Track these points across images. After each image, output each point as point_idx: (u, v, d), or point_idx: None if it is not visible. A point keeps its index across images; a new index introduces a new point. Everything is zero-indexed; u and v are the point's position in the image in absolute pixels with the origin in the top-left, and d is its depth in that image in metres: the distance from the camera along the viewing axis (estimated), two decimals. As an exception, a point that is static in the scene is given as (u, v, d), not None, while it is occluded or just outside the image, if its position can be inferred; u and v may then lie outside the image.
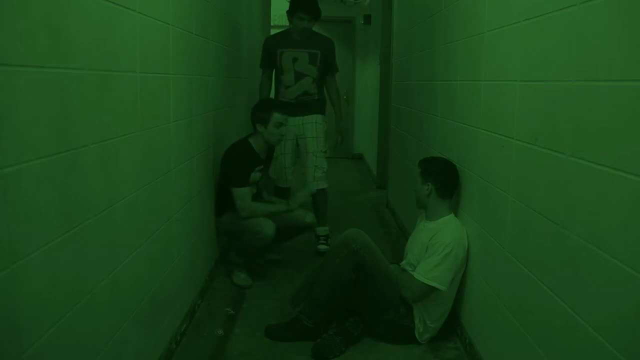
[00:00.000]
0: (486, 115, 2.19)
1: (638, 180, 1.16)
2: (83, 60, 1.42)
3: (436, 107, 3.07)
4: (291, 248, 3.68)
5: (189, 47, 2.51)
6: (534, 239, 1.71)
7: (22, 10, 1.14)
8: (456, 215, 2.54)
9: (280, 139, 3.26)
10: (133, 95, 1.80)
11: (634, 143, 1.18)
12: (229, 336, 2.55)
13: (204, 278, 3.00)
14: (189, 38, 2.50)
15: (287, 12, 3.72)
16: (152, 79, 2.00)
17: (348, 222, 3.83)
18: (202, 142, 2.86)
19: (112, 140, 1.63)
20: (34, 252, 1.19)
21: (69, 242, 1.35)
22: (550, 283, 1.58)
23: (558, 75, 1.55)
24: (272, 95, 3.94)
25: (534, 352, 1.68)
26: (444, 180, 2.52)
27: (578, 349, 1.41)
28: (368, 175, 6.95)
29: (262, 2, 5.74)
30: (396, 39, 4.82)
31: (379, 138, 6.01)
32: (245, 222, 3.07)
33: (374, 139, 6.32)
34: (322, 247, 3.75)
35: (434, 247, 2.37)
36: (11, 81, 1.10)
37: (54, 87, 1.27)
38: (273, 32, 7.05)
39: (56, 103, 1.28)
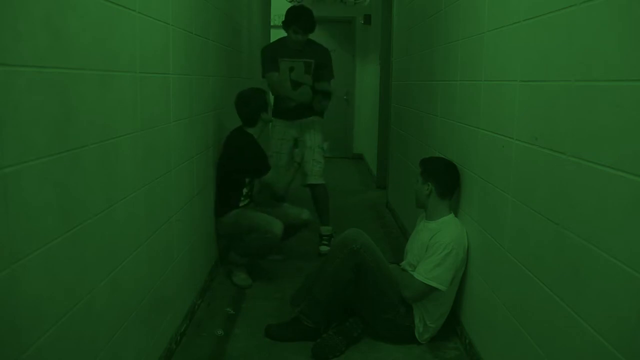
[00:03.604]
0: (486, 115, 2.19)
1: (638, 180, 1.16)
2: (83, 60, 1.42)
3: (436, 107, 3.07)
4: (292, 248, 3.67)
5: (189, 47, 2.51)
6: (534, 239, 1.71)
7: (22, 11, 1.14)
8: (456, 215, 2.54)
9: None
10: (133, 95, 1.80)
11: (634, 143, 1.18)
12: (229, 336, 2.55)
13: (204, 278, 3.00)
14: (189, 38, 2.50)
15: (283, 22, 3.74)
16: (152, 79, 2.00)
17: (348, 222, 3.83)
18: (202, 142, 2.86)
19: (112, 140, 1.63)
20: (34, 252, 1.19)
21: (69, 242, 1.35)
22: (550, 283, 1.58)
23: (558, 75, 1.55)
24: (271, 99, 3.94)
25: (534, 352, 1.68)
26: (444, 180, 2.52)
27: (578, 349, 1.41)
28: (368, 175, 6.95)
29: (262, 2, 5.74)
30: (396, 39, 4.82)
31: (379, 138, 6.01)
32: (253, 222, 3.09)
33: (374, 139, 6.32)
34: (324, 248, 3.75)
35: (434, 247, 2.37)
36: (11, 81, 1.10)
37: (54, 87, 1.28)
38: (273, 32, 7.07)
39: (56, 103, 1.28)
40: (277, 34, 7.98)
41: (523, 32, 1.80)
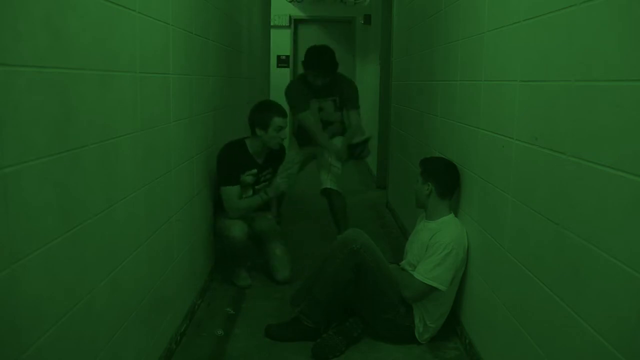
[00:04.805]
0: (486, 115, 2.19)
1: (638, 180, 1.16)
2: (83, 60, 1.42)
3: (436, 107, 3.07)
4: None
5: (189, 47, 2.51)
6: (534, 239, 1.71)
7: (22, 10, 1.14)
8: (456, 215, 2.54)
9: (281, 142, 3.16)
10: (133, 95, 1.80)
11: (634, 143, 1.18)
12: (229, 336, 2.55)
13: (204, 278, 3.00)
14: (189, 38, 2.50)
15: (303, 63, 3.66)
16: (152, 79, 2.00)
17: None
18: (202, 142, 2.86)
19: (112, 140, 1.63)
20: (34, 252, 1.19)
21: (69, 242, 1.36)
22: (550, 283, 1.58)
23: (558, 75, 1.55)
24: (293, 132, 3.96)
25: (534, 352, 1.68)
26: (444, 180, 2.52)
27: (578, 349, 1.41)
28: (368, 175, 6.95)
29: (262, 2, 5.74)
30: (396, 39, 4.82)
31: (379, 138, 6.01)
32: (218, 226, 3.08)
33: (374, 139, 6.31)
34: None
35: (434, 247, 2.37)
36: (11, 81, 1.10)
37: (54, 87, 1.28)
38: (273, 32, 7.07)
39: (56, 103, 1.28)
40: (277, 34, 7.98)
41: (523, 32, 1.80)
